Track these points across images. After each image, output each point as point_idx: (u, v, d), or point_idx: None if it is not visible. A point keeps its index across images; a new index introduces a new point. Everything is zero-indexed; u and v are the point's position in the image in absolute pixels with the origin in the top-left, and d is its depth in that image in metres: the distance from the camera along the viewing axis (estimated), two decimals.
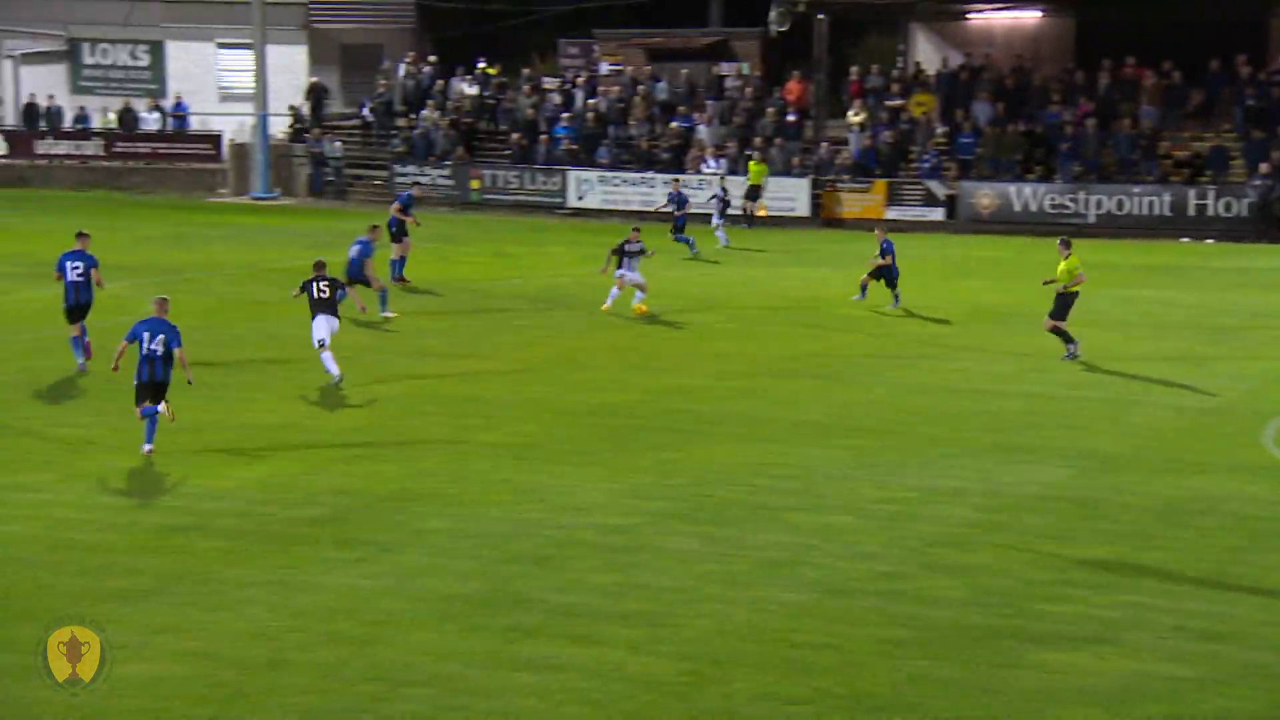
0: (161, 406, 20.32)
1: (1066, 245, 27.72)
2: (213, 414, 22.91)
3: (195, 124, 58.90)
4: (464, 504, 18.31)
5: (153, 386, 20.39)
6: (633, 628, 14.35)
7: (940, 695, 12.99)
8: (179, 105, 58.76)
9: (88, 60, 61.33)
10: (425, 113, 55.28)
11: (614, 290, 31.63)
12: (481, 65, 57.52)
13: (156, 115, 58.19)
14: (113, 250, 35.97)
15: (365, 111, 57.43)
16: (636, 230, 32.52)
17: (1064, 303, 27.38)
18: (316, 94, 57.46)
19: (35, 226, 45.51)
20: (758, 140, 50.47)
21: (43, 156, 56.98)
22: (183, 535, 17.04)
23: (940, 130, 50.46)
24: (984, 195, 48.00)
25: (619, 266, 31.50)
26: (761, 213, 43.98)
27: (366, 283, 30.46)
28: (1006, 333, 30.42)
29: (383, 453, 20.81)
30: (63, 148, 57.22)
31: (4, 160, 56.50)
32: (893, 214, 48.09)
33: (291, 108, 57.08)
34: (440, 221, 46.59)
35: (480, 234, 46.37)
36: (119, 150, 57.13)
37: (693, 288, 35.63)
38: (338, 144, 55.58)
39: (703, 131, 52.01)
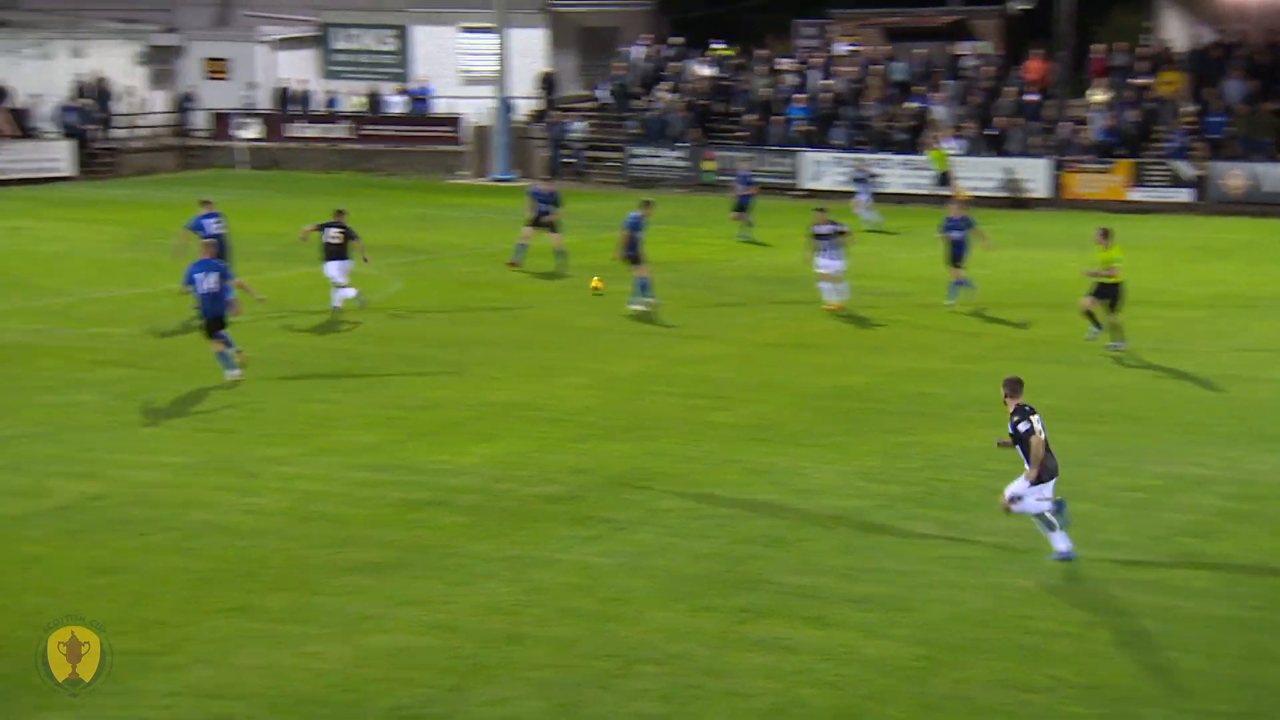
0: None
1: (1105, 236, 26.46)
2: (453, 391, 23.35)
3: (437, 107, 60.00)
4: (696, 484, 18.37)
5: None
6: (866, 611, 14.26)
7: (1187, 688, 12.65)
8: (423, 89, 59.91)
9: (338, 45, 62.86)
10: (660, 94, 55.50)
11: (822, 285, 30.07)
12: (717, 47, 57.52)
13: (402, 99, 59.42)
14: (359, 230, 36.85)
15: (601, 93, 57.87)
16: (821, 211, 30.59)
17: (1105, 290, 26.20)
18: (550, 82, 58.14)
19: (287, 207, 46.83)
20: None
21: (294, 139, 58.58)
22: (424, 510, 17.40)
23: (1188, 109, 49.01)
24: (1234, 176, 46.52)
25: (819, 252, 29.86)
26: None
27: (636, 259, 29.93)
28: (1257, 317, 29.47)
29: (616, 432, 20.98)
30: (313, 131, 58.75)
31: (259, 143, 58.25)
32: (1136, 195, 46.90)
33: (545, 82, 57.66)
34: (674, 203, 46.75)
35: (714, 215, 46.39)
36: (366, 133, 58.46)
37: (928, 269, 35.22)
38: (580, 124, 56.08)
39: (939, 111, 51.31)
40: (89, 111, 54.68)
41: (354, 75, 62.09)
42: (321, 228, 29.67)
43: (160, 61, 61.34)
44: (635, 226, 30.34)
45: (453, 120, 58.61)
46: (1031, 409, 15.68)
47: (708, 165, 52.78)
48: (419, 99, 59.63)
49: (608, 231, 40.18)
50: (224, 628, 13.90)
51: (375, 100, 59.23)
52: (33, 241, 36.84)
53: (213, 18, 63.24)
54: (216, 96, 59.99)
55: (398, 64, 62.20)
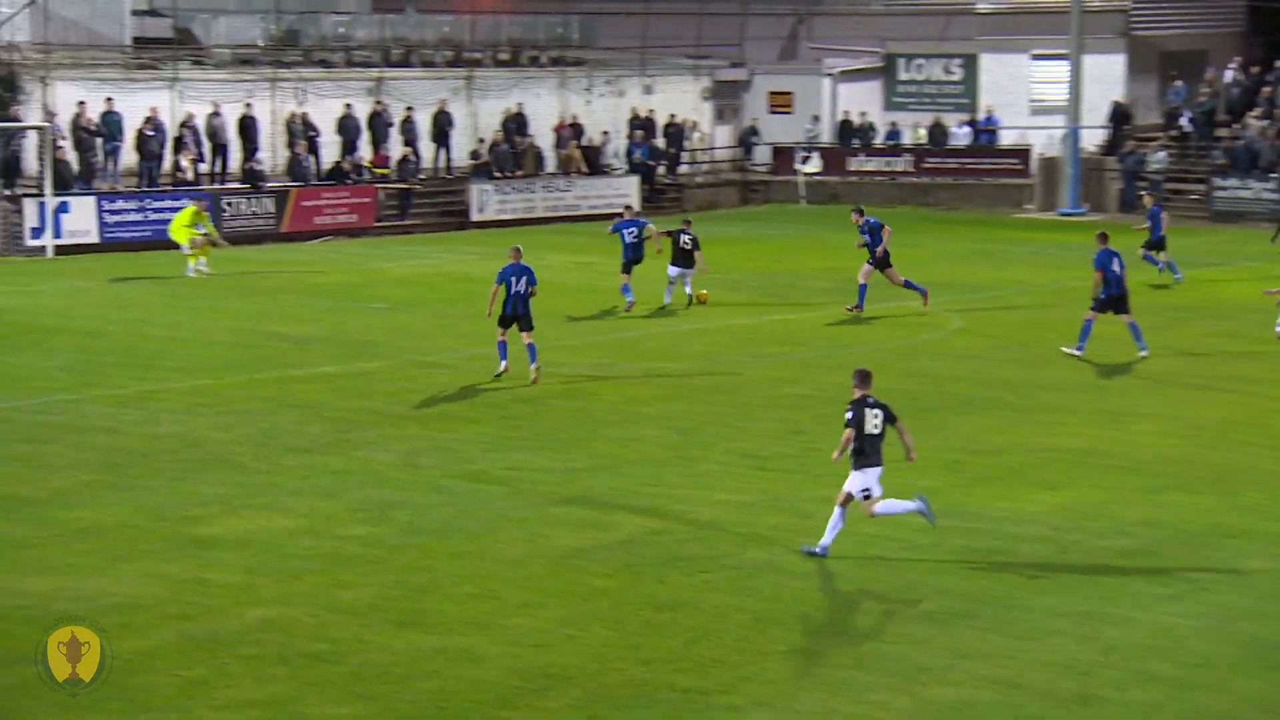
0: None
1: None
2: (1015, 435, 22.95)
3: (1004, 138, 59.40)
4: None
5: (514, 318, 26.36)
6: None
7: None
8: (989, 119, 59.45)
9: (902, 76, 63.22)
10: (1250, 121, 53.11)
11: None
12: None
13: (966, 129, 59.14)
14: (914, 266, 36.87)
15: (1184, 121, 55.88)
16: None
17: None
18: (1124, 110, 56.56)
19: (847, 242, 47.28)
20: None
21: (854, 173, 59.21)
22: (986, 559, 17.13)
23: None
24: None
25: None
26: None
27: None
28: None
29: (1197, 484, 20.11)
30: (873, 164, 59.23)
31: (819, 177, 59.16)
32: None
33: (1118, 110, 56.21)
34: (1260, 239, 44.54)
35: None
36: (928, 166, 58.50)
37: None
38: (1162, 154, 54.33)
39: None
40: (657, 148, 56.90)
41: (918, 106, 62.26)
42: (674, 234, 34.32)
43: (725, 96, 63.26)
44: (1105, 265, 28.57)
45: (1020, 152, 57.91)
46: (872, 401, 17.16)
47: None
48: (985, 130, 59.21)
49: (1192, 269, 38.73)
50: (783, 670, 14.06)
51: (939, 131, 59.17)
52: (598, 276, 38.53)
53: (780, 51, 64.77)
54: (779, 130, 61.32)
55: (964, 94, 61.97)
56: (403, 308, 33.24)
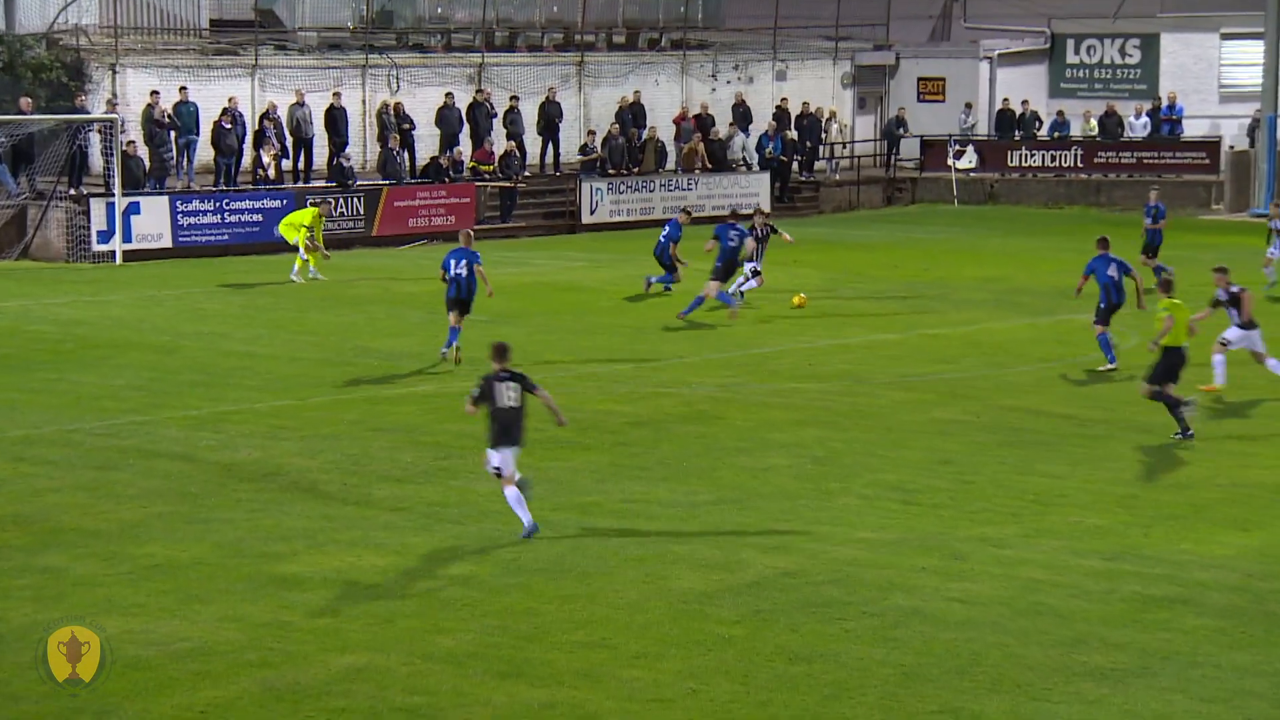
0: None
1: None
2: (1201, 468, 22.74)
3: (1188, 129, 58.77)
4: None
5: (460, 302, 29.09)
6: None
7: None
8: (1171, 107, 58.83)
9: (1070, 59, 62.80)
10: None
11: None
12: None
13: (1144, 120, 58.57)
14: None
15: None
16: None
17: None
18: None
19: (1006, 248, 47.10)
20: None
21: (1015, 169, 58.85)
22: (1167, 609, 16.99)
23: None
24: None
25: None
26: None
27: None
28: None
29: None
30: (1037, 159, 58.86)
31: (974, 174, 58.78)
32: None
33: None
34: None
35: None
36: (1099, 161, 58.03)
37: None
38: None
39: None
40: (790, 141, 56.86)
41: (1088, 93, 61.82)
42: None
43: (868, 83, 63.14)
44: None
45: (1208, 144, 57.29)
46: (506, 375, 19.10)
47: None
48: (1166, 120, 58.60)
49: None
50: None
51: (1112, 122, 58.64)
52: None
53: (930, 32, 64.54)
54: (929, 121, 61.06)
55: (1141, 79, 61.45)
56: (504, 320, 33.54)
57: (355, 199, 47.34)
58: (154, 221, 44.07)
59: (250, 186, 46.83)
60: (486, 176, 50.56)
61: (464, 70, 53.55)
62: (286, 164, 48.44)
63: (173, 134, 46.13)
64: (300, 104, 48.52)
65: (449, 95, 51.18)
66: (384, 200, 47.80)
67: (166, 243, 44.18)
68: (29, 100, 44.13)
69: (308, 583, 17.78)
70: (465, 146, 51.09)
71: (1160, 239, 39.95)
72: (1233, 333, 27.61)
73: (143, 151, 45.35)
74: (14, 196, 43.43)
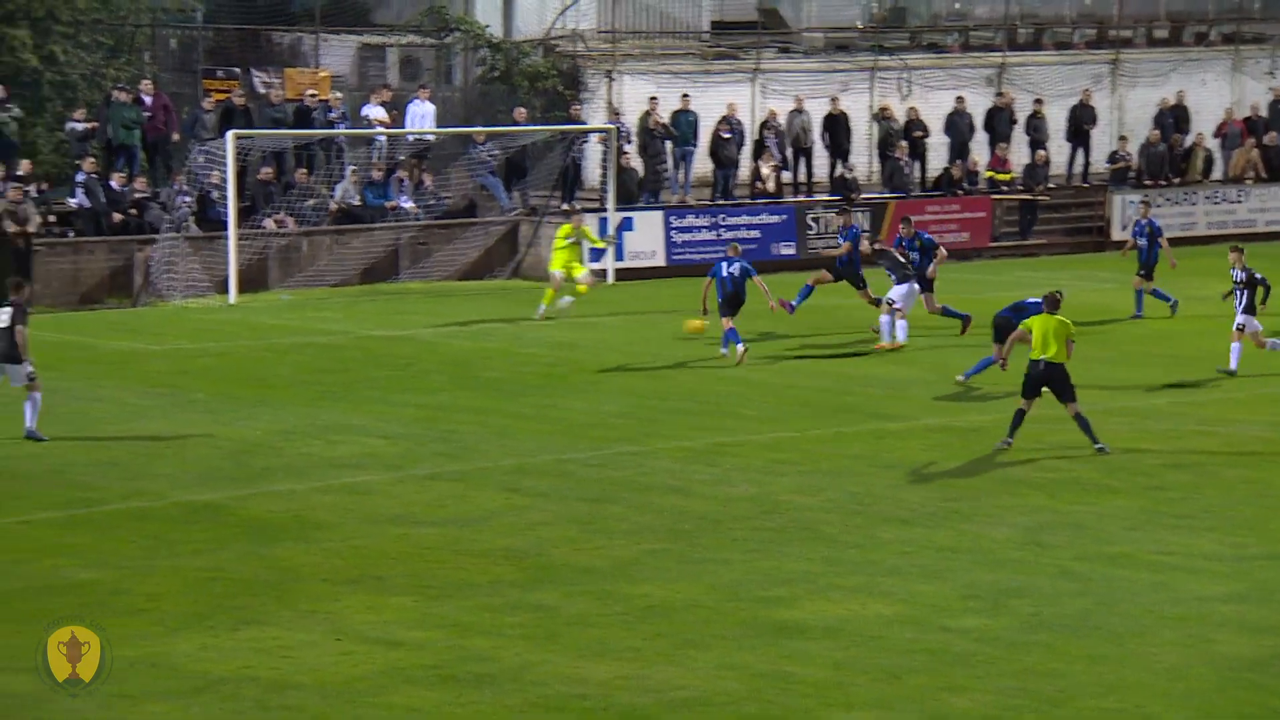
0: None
1: None
2: None
3: None
4: None
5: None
6: None
7: None
8: None
9: None
10: None
11: None
12: None
13: None
14: None
15: None
16: None
17: None
18: None
19: None
20: None
21: None
22: None
23: None
24: None
25: None
26: None
27: None
28: None
29: None
30: None
31: None
32: None
33: None
34: None
35: None
36: None
37: None
38: None
39: None
40: None
41: None
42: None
43: None
44: None
45: None
46: None
47: None
48: None
49: None
50: None
51: None
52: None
53: None
54: None
55: None
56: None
57: (859, 213, 47.38)
58: (647, 238, 44.97)
59: (748, 200, 47.41)
60: (1004, 189, 50.13)
61: (981, 72, 53.16)
62: (786, 176, 48.88)
63: (669, 144, 47.00)
64: (800, 110, 48.89)
65: (961, 99, 50.87)
66: (890, 214, 47.81)
67: (660, 260, 45.03)
68: (524, 110, 45.64)
69: (809, 631, 17.95)
70: (981, 155, 50.62)
71: (1155, 258, 38.23)
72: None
73: (636, 163, 46.31)
74: (506, 212, 45.00)
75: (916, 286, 34.43)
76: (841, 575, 19.89)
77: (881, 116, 50.22)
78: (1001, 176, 50.28)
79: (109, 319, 37.31)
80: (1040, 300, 26.44)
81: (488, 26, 48.67)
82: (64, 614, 17.57)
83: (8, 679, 16.33)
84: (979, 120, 51.01)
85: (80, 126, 41.17)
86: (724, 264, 33.41)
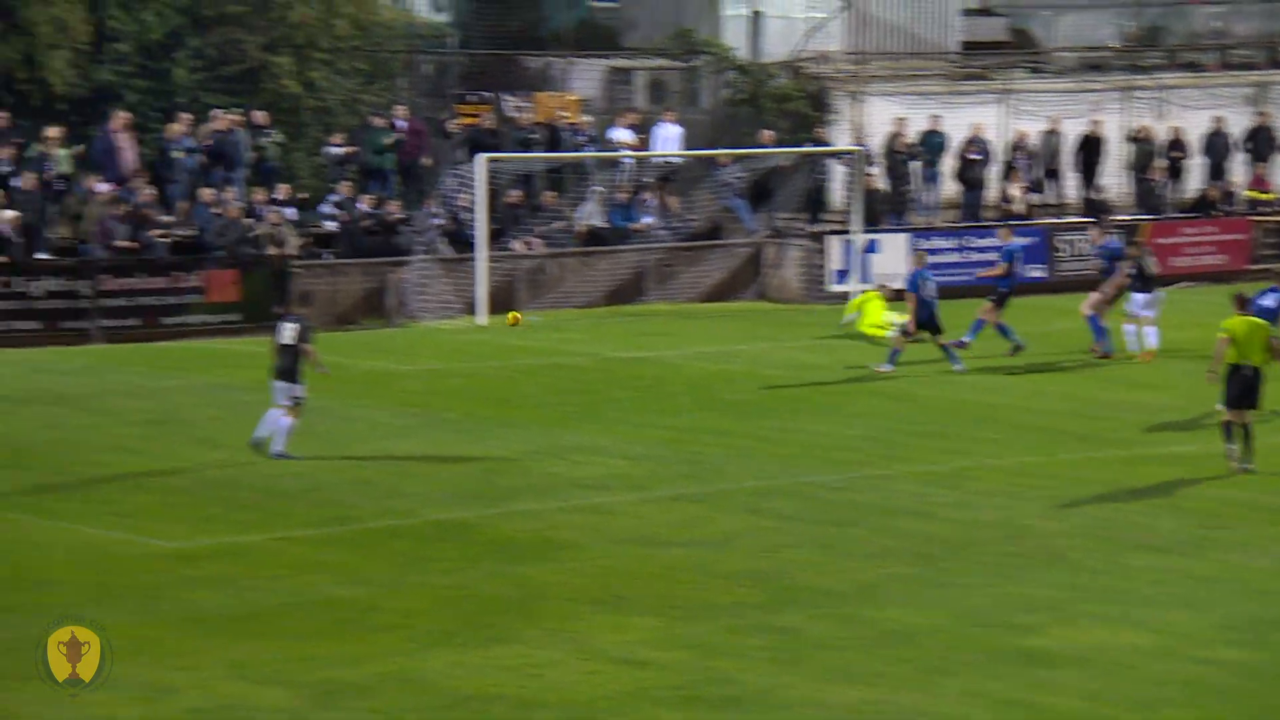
0: None
1: None
2: None
3: None
4: None
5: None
6: None
7: None
8: None
9: None
10: None
11: None
12: None
13: None
14: None
15: None
16: None
17: None
18: None
19: None
20: None
21: None
22: None
23: None
24: None
25: None
26: None
27: None
28: None
29: None
30: None
31: None
32: None
33: None
34: None
35: None
36: None
37: None
38: None
39: None
40: None
41: None
42: None
43: None
44: None
45: None
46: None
47: None
48: None
49: None
50: None
51: None
52: None
53: None
54: None
55: None
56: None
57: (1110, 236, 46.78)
58: (893, 260, 44.67)
59: (996, 223, 47.00)
60: (1264, 210, 49.19)
61: (1240, 90, 52.23)
62: (1035, 198, 48.47)
63: (916, 165, 46.89)
64: (1053, 131, 48.48)
65: (1219, 119, 50.07)
66: (1144, 237, 47.14)
67: (903, 284, 44.80)
68: (770, 133, 45.81)
69: (1058, 659, 17.82)
70: (1240, 175, 49.77)
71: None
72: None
73: (883, 184, 46.26)
74: (750, 234, 45.16)
75: (1163, 294, 34.93)
76: (1090, 603, 19.73)
77: (1138, 137, 49.58)
78: (1262, 196, 49.38)
79: (363, 339, 38.02)
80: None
81: (735, 49, 48.95)
82: (320, 630, 18.24)
83: (262, 691, 16.80)
84: (1238, 139, 50.14)
85: (338, 151, 42.15)
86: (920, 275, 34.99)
